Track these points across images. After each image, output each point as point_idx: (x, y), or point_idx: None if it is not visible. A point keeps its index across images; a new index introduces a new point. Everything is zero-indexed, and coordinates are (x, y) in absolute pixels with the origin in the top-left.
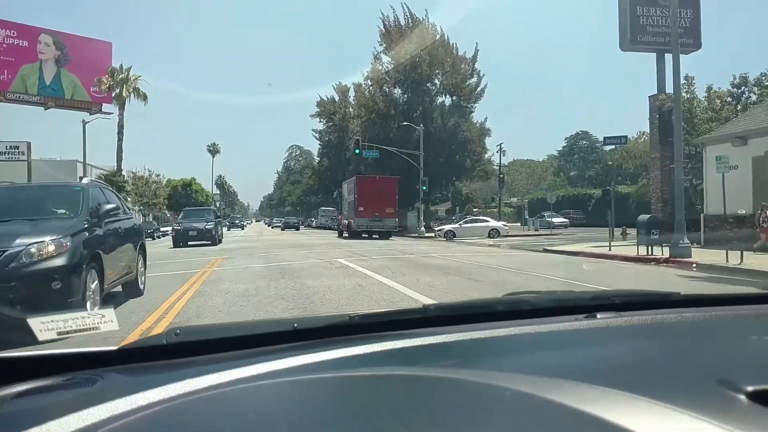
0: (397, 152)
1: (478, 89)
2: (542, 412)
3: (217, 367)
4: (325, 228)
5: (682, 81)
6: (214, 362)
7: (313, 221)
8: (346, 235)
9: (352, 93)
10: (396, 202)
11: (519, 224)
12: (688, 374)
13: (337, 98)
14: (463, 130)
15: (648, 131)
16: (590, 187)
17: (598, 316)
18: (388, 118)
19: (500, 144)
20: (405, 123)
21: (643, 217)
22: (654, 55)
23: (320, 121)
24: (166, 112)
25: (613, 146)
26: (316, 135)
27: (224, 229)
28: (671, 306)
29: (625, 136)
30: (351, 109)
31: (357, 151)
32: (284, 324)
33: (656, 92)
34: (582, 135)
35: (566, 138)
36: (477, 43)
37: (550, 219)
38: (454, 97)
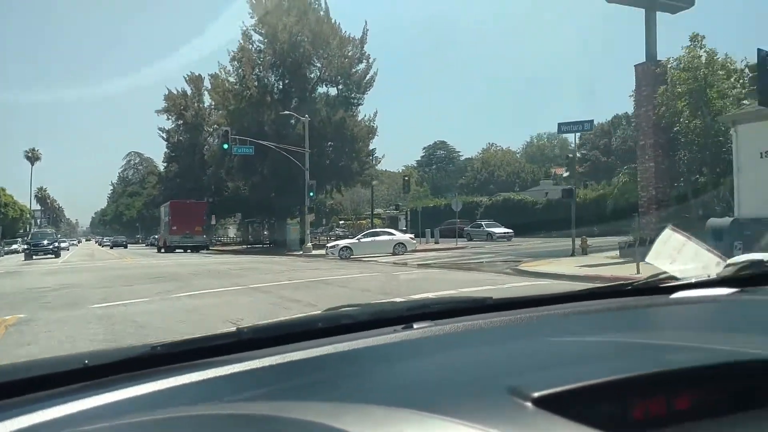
0: (275, 148)
1: (368, 77)
2: None
3: None
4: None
5: (687, 42)
6: None
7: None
8: (163, 250)
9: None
10: (204, 221)
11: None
12: (482, 384)
13: (189, 91)
14: (350, 126)
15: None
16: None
17: (415, 326)
18: (261, 108)
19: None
20: (286, 112)
21: (718, 221)
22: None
23: (168, 119)
24: None
25: (570, 134)
26: (163, 135)
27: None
28: (485, 311)
29: (591, 121)
30: (209, 102)
31: (225, 145)
32: (73, 361)
33: (645, 59)
34: (439, 144)
35: (424, 148)
36: (366, 22)
37: (489, 230)
38: (340, 86)
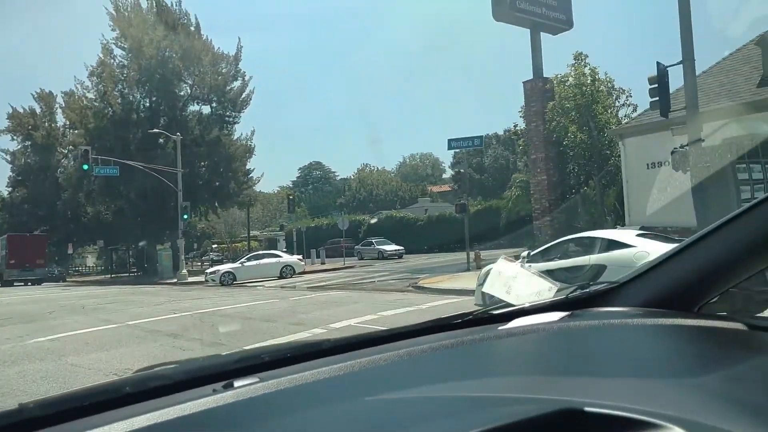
0: (144, 168)
1: (244, 95)
2: None
3: None
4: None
5: (571, 61)
6: None
7: None
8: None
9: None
10: (45, 255)
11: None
12: None
13: (38, 109)
14: (226, 145)
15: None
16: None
17: (236, 384)
18: (126, 126)
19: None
20: (157, 131)
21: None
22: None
23: (13, 139)
24: None
25: (458, 150)
26: (7, 157)
27: None
28: (321, 356)
29: (481, 137)
30: (63, 121)
31: (86, 166)
32: None
33: (532, 77)
34: (315, 165)
35: (299, 168)
36: (240, 38)
37: (380, 247)
38: (214, 104)
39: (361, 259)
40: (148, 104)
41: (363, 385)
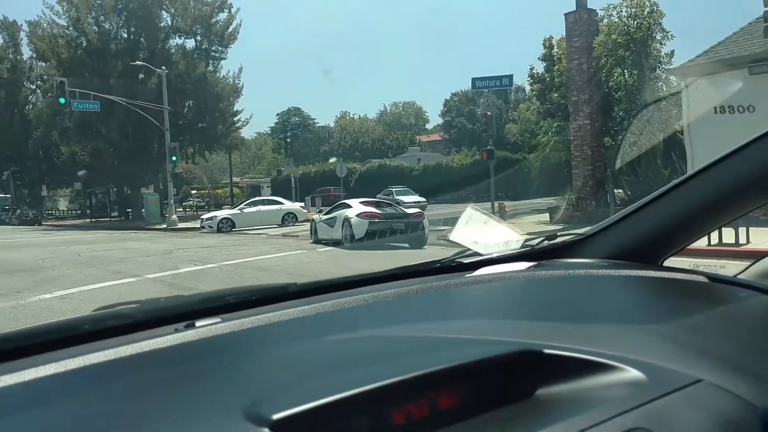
0: (127, 104)
1: (231, 29)
2: None
3: None
4: None
5: None
6: None
7: None
8: None
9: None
10: None
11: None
12: (220, 405)
13: (1, 40)
14: (212, 83)
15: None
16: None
17: (197, 323)
18: (105, 58)
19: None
20: (139, 63)
21: None
22: None
23: None
24: None
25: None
26: None
27: None
28: (286, 299)
29: (510, 76)
30: (30, 54)
31: (62, 100)
32: None
33: (575, 8)
34: (294, 111)
35: (277, 114)
36: None
37: (400, 197)
38: (198, 37)
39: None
40: (126, 35)
41: (325, 326)
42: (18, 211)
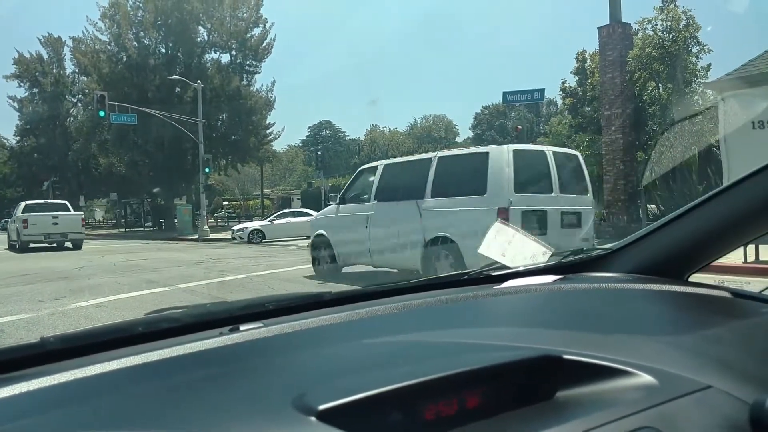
0: (162, 117)
1: (265, 43)
2: None
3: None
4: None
5: (657, 3)
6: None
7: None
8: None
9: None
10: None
11: None
12: (270, 397)
13: (46, 55)
14: (246, 96)
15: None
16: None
17: (241, 328)
18: (143, 72)
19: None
20: (176, 77)
21: None
22: None
23: (20, 86)
24: None
25: (516, 104)
26: (15, 105)
27: None
28: (322, 306)
29: (542, 90)
30: (73, 68)
31: (102, 113)
32: None
33: (609, 21)
34: (325, 124)
35: (309, 127)
36: None
37: None
38: (233, 52)
39: None
40: (163, 50)
41: (361, 331)
42: None
